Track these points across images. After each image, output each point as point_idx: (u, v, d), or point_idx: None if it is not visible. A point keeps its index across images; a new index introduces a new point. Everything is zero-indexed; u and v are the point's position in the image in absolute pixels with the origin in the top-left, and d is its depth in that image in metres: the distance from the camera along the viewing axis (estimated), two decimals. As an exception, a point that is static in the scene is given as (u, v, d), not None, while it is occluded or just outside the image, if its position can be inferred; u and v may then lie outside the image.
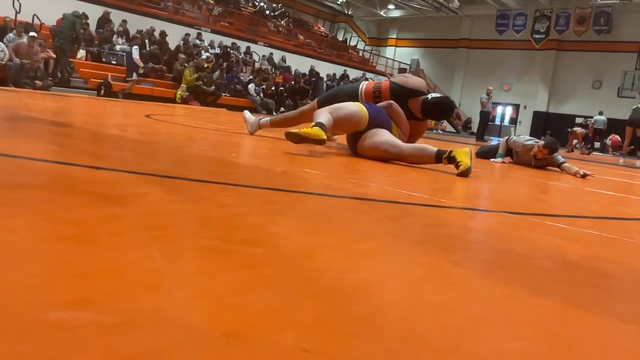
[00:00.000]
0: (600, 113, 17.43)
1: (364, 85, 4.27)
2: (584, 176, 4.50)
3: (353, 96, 4.12)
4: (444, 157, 3.34)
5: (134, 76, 11.97)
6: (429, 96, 4.04)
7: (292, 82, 17.15)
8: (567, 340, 0.82)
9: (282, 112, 15.44)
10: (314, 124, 3.33)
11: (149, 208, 1.34)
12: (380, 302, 0.87)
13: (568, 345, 0.80)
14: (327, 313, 0.79)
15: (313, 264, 1.04)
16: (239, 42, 17.66)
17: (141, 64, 12.27)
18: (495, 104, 25.04)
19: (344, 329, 0.74)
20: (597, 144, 17.29)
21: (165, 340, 0.64)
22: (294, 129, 3.29)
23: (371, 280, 0.98)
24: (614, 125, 17.96)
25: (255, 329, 0.70)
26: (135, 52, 12.08)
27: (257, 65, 17.38)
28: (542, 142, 4.92)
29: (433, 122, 21.91)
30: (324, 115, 3.48)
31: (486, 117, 14.25)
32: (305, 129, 3.25)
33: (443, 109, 4.12)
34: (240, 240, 1.14)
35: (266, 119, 4.61)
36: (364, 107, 3.63)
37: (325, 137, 3.30)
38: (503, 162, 5.24)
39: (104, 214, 1.22)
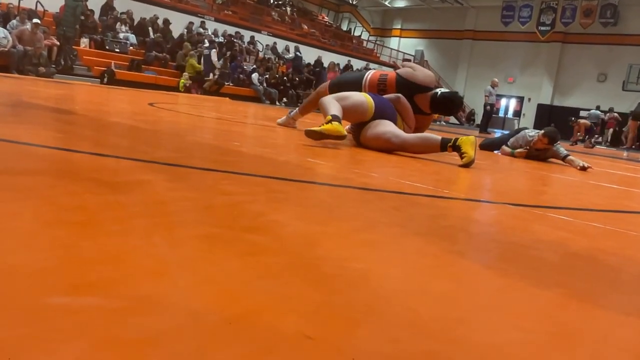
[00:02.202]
0: (597, 107, 17.30)
1: (369, 75, 4.23)
2: (583, 169, 4.47)
3: (356, 85, 4.10)
4: (449, 146, 3.33)
5: (211, 76, 13.60)
6: (438, 91, 4.02)
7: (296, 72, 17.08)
8: (568, 331, 0.82)
9: (285, 102, 15.43)
10: (329, 117, 3.31)
11: (152, 195, 1.34)
12: (382, 291, 0.87)
13: (569, 336, 0.80)
14: (329, 300, 0.79)
15: (316, 252, 1.04)
16: (242, 31, 17.58)
17: (218, 66, 13.90)
18: (499, 96, 24.89)
19: (346, 316, 0.74)
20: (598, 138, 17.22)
21: (168, 325, 0.64)
22: (314, 127, 3.27)
23: (374, 269, 0.98)
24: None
25: (258, 315, 0.70)
26: (214, 55, 13.95)
27: (260, 54, 17.32)
28: (542, 132, 4.88)
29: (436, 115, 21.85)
30: (334, 105, 3.45)
31: (491, 109, 14.19)
32: (325, 126, 3.23)
33: (452, 105, 4.14)
34: (243, 227, 1.14)
35: (294, 111, 4.73)
36: (370, 98, 3.61)
37: (345, 132, 3.30)
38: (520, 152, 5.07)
39: (107, 201, 1.22)
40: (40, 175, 1.43)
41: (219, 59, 14.17)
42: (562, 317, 0.88)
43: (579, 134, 14.66)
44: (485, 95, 13.89)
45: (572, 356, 0.74)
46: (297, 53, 18.27)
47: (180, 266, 0.85)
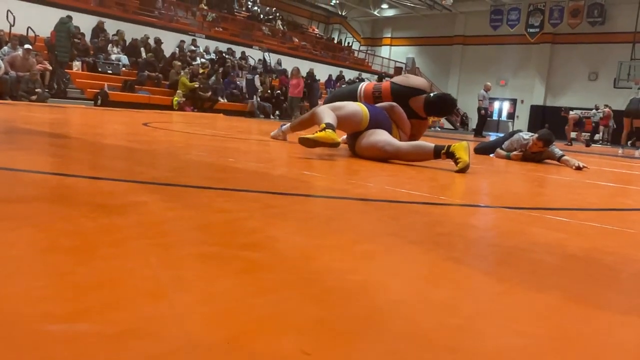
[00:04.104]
0: (596, 107, 17.38)
1: (363, 86, 4.27)
2: (578, 168, 4.48)
3: (352, 98, 4.13)
4: (442, 153, 3.34)
5: (255, 98, 15.13)
6: (431, 94, 4.08)
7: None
8: (569, 333, 0.82)
9: (278, 115, 15.47)
10: (323, 125, 3.32)
11: (148, 216, 1.34)
12: (381, 302, 0.87)
13: (570, 338, 0.80)
14: (328, 315, 0.79)
15: (313, 267, 1.04)
16: (233, 47, 17.68)
17: (261, 88, 15.24)
18: (492, 99, 24.99)
19: (345, 330, 0.74)
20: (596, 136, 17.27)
21: (166, 348, 0.64)
22: (308, 135, 3.30)
23: (372, 280, 0.98)
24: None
25: (256, 334, 0.70)
26: (257, 80, 15.62)
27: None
28: (536, 135, 4.90)
29: (431, 119, 21.94)
30: (328, 114, 3.47)
31: (485, 113, 14.17)
32: (319, 134, 3.25)
33: (445, 105, 4.16)
34: (240, 245, 1.14)
35: (286, 125, 4.71)
36: (365, 108, 3.63)
37: (339, 140, 3.31)
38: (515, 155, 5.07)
39: (102, 224, 1.22)
40: (35, 202, 1.42)
41: (210, 76, 14.24)
42: (561, 320, 0.88)
43: (567, 127, 14.43)
44: (479, 100, 13.91)
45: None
46: (265, 55, 18.30)
47: (176, 287, 0.85)
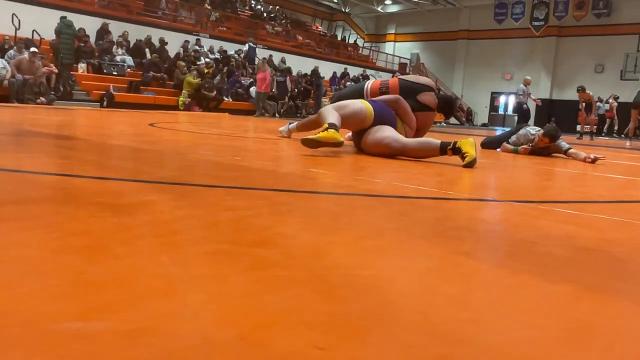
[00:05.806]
0: (600, 100, 17.26)
1: (369, 83, 4.30)
2: (594, 161, 4.41)
3: (358, 96, 4.15)
4: (448, 149, 3.33)
5: (286, 99, 15.83)
6: (440, 93, 4.24)
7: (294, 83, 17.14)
8: (581, 325, 0.82)
9: (284, 112, 15.47)
10: (326, 125, 3.33)
11: (157, 215, 1.35)
12: (392, 297, 0.87)
13: (582, 330, 0.80)
14: (339, 310, 0.79)
15: (323, 262, 1.04)
16: (238, 46, 17.65)
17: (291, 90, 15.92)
18: (498, 93, 24.95)
19: (356, 325, 0.74)
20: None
21: (180, 345, 0.64)
22: (310, 135, 3.30)
23: (382, 275, 0.98)
24: (618, 108, 17.85)
25: (269, 330, 0.70)
26: (288, 82, 16.10)
27: (257, 68, 17.38)
28: (542, 132, 4.87)
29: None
30: (332, 113, 3.48)
31: (527, 108, 13.38)
32: (321, 134, 3.26)
33: (451, 105, 4.35)
34: (250, 242, 1.15)
35: (293, 124, 4.73)
36: (369, 104, 3.63)
37: (342, 139, 3.32)
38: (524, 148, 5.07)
39: (112, 224, 1.22)
40: (45, 203, 1.43)
41: (214, 76, 14.25)
42: (573, 312, 0.88)
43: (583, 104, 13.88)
44: (519, 95, 13.28)
45: (586, 351, 0.73)
46: (250, 44, 18.17)
47: (188, 285, 0.85)
